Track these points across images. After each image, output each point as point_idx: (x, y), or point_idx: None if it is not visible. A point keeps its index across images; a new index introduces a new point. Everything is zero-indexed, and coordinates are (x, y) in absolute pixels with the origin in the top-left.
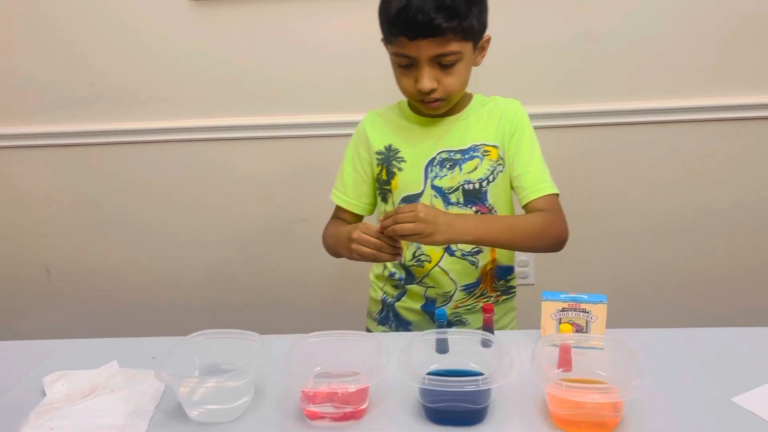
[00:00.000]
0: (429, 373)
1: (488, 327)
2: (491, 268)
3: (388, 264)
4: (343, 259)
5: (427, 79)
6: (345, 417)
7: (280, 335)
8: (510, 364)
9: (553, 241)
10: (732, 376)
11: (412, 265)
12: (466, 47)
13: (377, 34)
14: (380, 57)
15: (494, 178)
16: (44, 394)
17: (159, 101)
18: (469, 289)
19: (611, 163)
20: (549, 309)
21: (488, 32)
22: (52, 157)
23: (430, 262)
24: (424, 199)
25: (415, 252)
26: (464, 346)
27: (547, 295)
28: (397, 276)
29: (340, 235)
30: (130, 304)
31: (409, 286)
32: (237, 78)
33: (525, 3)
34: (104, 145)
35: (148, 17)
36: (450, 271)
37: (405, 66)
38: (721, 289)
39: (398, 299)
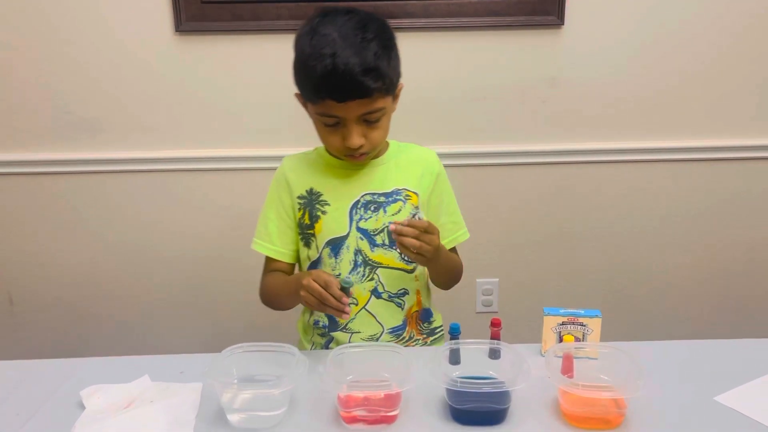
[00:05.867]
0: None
1: (495, 340)
2: (416, 311)
3: (314, 312)
4: None
5: (357, 137)
6: (379, 420)
7: (312, 351)
8: (528, 370)
9: (457, 281)
10: (712, 380)
11: None
12: (388, 101)
13: None
14: None
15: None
16: (82, 407)
17: (135, 131)
18: (396, 332)
19: (563, 198)
20: (550, 323)
21: (402, 80)
22: (20, 185)
23: (357, 305)
24: (350, 242)
25: None
26: (474, 357)
27: (548, 310)
28: (321, 324)
29: (297, 281)
30: (94, 333)
31: (333, 333)
32: (217, 110)
33: (492, 49)
34: (74, 174)
35: (132, 48)
36: (377, 314)
37: (331, 125)
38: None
39: (326, 347)
